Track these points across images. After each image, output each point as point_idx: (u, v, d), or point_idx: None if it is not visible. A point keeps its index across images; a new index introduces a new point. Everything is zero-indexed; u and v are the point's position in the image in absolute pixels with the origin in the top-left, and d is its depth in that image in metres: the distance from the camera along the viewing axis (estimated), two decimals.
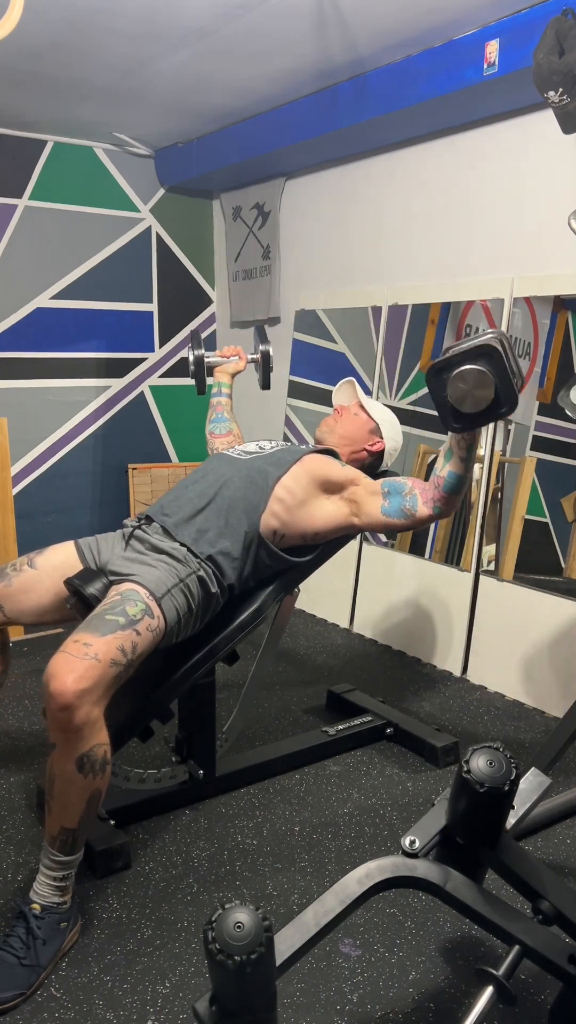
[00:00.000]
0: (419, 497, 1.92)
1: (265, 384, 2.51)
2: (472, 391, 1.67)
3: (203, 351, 2.43)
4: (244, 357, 2.53)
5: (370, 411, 2.23)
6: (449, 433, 1.84)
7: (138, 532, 1.91)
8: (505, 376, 1.66)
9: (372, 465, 2.24)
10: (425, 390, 3.23)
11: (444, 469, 1.88)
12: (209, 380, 2.52)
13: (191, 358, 2.43)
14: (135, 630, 1.62)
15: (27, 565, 1.90)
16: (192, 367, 2.43)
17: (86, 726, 1.49)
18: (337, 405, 2.31)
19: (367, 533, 3.38)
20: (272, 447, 2.12)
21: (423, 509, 1.92)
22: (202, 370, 2.44)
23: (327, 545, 2.09)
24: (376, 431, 2.22)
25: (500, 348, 1.65)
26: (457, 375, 1.67)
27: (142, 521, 1.95)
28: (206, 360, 2.46)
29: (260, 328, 2.53)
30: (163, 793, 2.07)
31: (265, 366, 2.47)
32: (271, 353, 2.48)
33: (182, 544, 1.86)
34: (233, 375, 2.55)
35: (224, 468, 2.02)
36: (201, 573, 1.83)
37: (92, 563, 1.89)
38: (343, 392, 2.33)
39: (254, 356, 2.51)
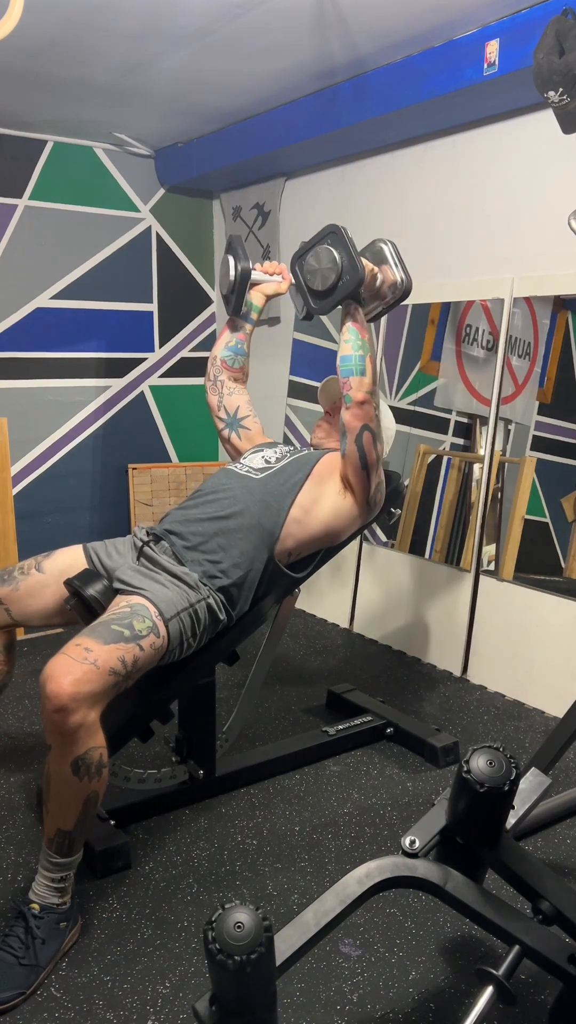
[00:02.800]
0: (342, 416, 1.97)
1: (307, 315, 2.13)
2: (321, 268, 1.94)
3: (250, 263, 2.12)
4: (288, 278, 2.20)
5: None
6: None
7: (146, 550, 1.89)
8: (345, 249, 1.90)
9: None
10: (425, 390, 3.24)
11: (337, 360, 1.95)
12: None
13: (234, 271, 2.11)
14: (139, 645, 1.62)
15: (34, 569, 1.90)
16: (234, 280, 2.12)
17: (81, 729, 1.49)
18: (326, 407, 2.31)
19: (367, 533, 3.38)
20: (278, 459, 2.07)
21: (344, 415, 1.95)
22: (245, 288, 2.15)
23: (330, 548, 2.09)
24: None
25: (341, 228, 1.91)
26: (310, 255, 1.97)
27: (151, 539, 1.92)
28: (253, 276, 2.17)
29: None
30: (163, 793, 2.07)
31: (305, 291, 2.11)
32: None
33: (191, 571, 1.85)
34: (270, 297, 2.26)
35: (237, 491, 1.96)
36: (211, 601, 1.82)
37: (99, 568, 1.88)
38: (327, 392, 2.32)
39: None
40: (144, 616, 1.67)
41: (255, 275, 2.19)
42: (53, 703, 1.47)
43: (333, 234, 1.92)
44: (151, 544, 1.90)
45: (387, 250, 2.02)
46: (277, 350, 3.83)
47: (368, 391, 1.92)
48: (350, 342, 1.94)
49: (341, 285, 1.92)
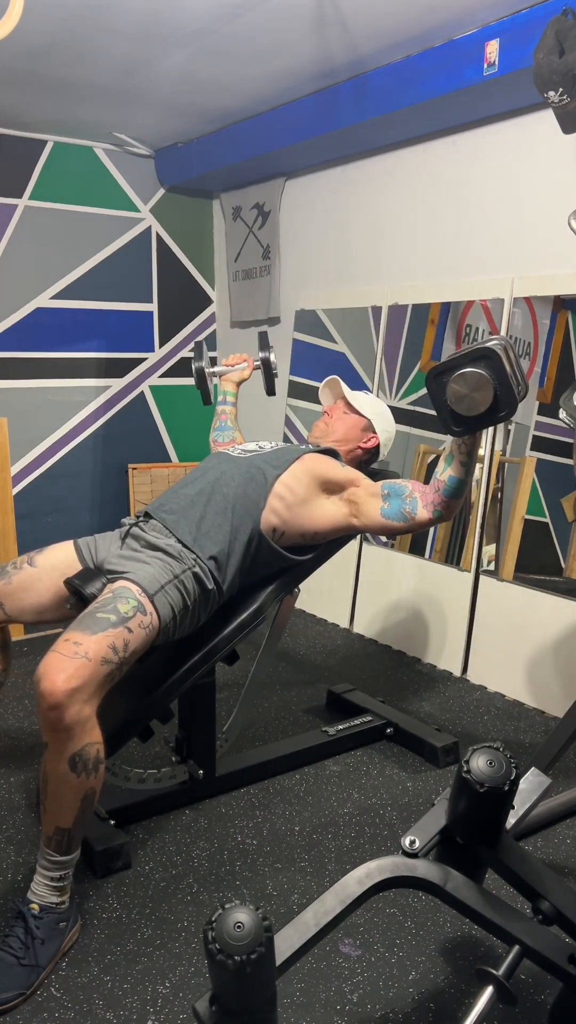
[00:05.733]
0: (419, 500, 1.92)
1: (270, 390, 2.47)
2: (471, 394, 1.69)
3: (203, 363, 2.38)
4: (251, 365, 2.50)
5: (360, 408, 2.23)
6: (450, 437, 1.84)
7: (134, 530, 1.90)
8: (504, 380, 1.67)
9: (369, 460, 2.24)
10: (425, 390, 3.23)
11: (445, 473, 1.87)
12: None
13: (193, 369, 2.40)
14: (127, 628, 1.62)
15: (27, 563, 1.90)
16: (195, 378, 2.40)
17: (77, 725, 1.49)
18: (326, 406, 2.31)
19: (367, 533, 3.38)
20: (272, 446, 2.12)
21: (423, 512, 1.91)
22: (204, 381, 2.39)
23: (327, 545, 2.09)
24: (369, 427, 2.22)
25: (501, 352, 1.66)
26: (456, 377, 1.69)
27: (140, 518, 1.95)
28: (210, 371, 2.42)
29: (263, 334, 2.49)
30: (163, 793, 2.07)
31: (267, 372, 2.42)
32: (272, 359, 2.42)
33: (179, 541, 1.86)
34: (239, 383, 2.53)
35: (223, 466, 2.02)
36: (196, 569, 1.82)
37: (90, 562, 1.90)
38: (328, 391, 2.33)
39: (258, 363, 2.47)
40: (127, 597, 1.67)
41: (219, 368, 2.52)
42: (48, 700, 1.47)
43: (487, 359, 1.67)
44: (140, 524, 1.92)
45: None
46: (277, 350, 3.80)
47: (458, 509, 1.93)
48: (467, 468, 1.86)
49: (496, 417, 1.72)
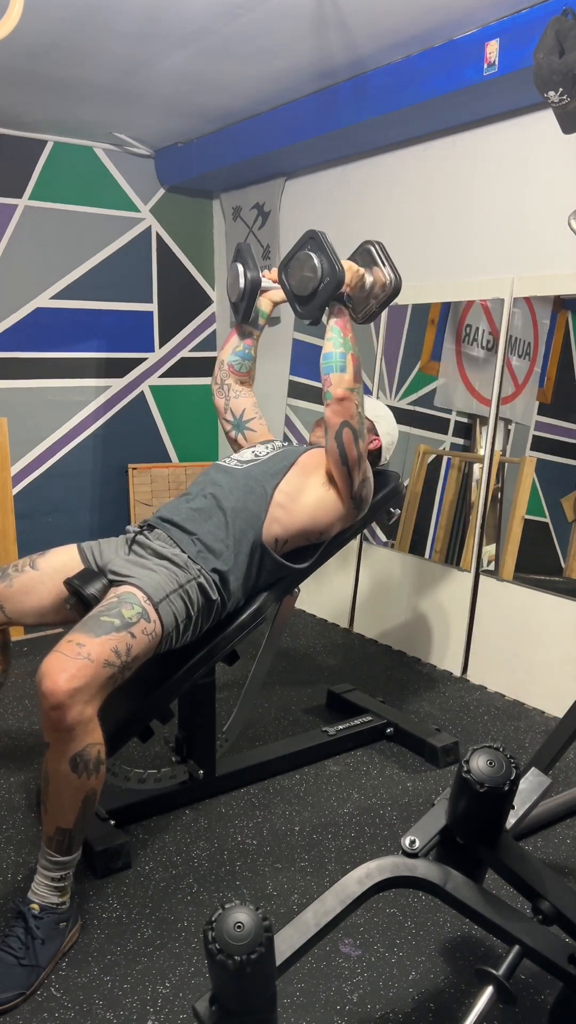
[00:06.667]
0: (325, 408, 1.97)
1: (313, 320, 2.11)
2: (304, 273, 1.94)
3: (259, 271, 2.18)
4: None
5: None
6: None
7: (140, 538, 1.90)
8: (325, 253, 1.90)
9: (371, 463, 2.24)
10: (425, 390, 3.24)
11: (320, 358, 1.96)
12: None
13: (244, 280, 2.17)
14: (130, 632, 1.62)
15: (29, 566, 1.90)
16: (243, 289, 2.18)
17: (79, 725, 1.50)
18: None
19: (367, 533, 3.38)
20: (268, 452, 2.11)
21: (325, 412, 1.95)
22: (255, 296, 2.19)
23: (327, 546, 2.09)
24: (372, 430, 2.22)
25: (320, 234, 1.91)
26: (293, 262, 1.96)
27: (144, 528, 1.95)
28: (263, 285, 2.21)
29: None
30: (163, 793, 2.07)
31: None
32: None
33: (183, 552, 1.86)
34: (277, 303, 2.31)
35: (222, 479, 2.02)
36: (201, 580, 1.82)
37: (93, 565, 1.89)
38: None
39: None
40: (132, 603, 1.67)
41: (264, 283, 2.23)
42: (50, 700, 1.48)
43: (312, 239, 1.92)
44: (145, 532, 1.92)
45: (374, 251, 2.03)
46: (277, 350, 3.83)
47: (348, 388, 1.92)
48: (332, 340, 1.95)
49: (322, 288, 1.92)
